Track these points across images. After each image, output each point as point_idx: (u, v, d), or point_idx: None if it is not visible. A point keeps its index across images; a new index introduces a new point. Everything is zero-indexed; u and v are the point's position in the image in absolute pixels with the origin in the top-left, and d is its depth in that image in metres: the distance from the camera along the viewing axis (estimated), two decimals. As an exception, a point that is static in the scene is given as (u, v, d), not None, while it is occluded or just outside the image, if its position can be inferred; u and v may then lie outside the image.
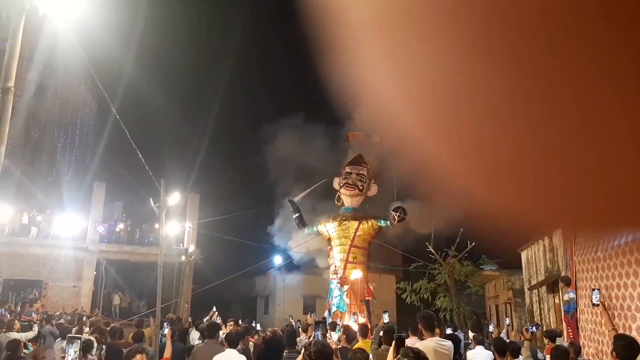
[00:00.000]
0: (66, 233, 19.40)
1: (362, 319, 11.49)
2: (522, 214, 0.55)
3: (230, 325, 9.25)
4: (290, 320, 14.03)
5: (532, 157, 0.48)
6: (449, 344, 4.11)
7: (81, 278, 19.44)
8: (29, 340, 8.35)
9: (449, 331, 8.57)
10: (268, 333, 3.00)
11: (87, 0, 4.96)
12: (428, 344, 3.93)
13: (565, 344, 6.35)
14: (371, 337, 6.29)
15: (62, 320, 11.78)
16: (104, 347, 6.33)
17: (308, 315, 11.10)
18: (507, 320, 12.40)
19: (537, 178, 0.50)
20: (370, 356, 4.65)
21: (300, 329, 9.44)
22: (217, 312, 11.07)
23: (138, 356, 3.86)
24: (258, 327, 11.96)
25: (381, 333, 5.39)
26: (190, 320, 12.02)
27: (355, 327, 7.56)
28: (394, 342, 3.57)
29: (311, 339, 5.79)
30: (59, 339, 7.29)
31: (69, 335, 3.76)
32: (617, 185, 0.46)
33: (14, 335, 7.25)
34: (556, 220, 0.59)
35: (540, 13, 0.41)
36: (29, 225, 19.07)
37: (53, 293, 18.79)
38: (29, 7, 4.59)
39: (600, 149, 0.45)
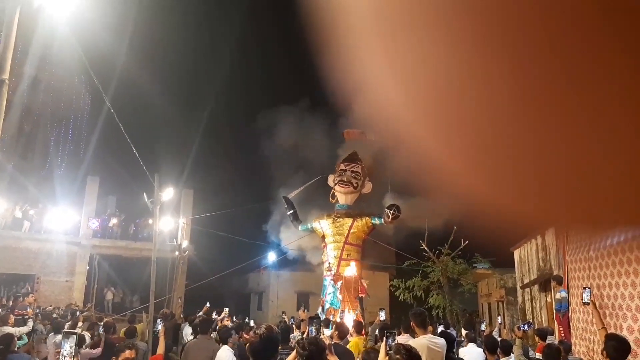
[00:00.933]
0: (59, 227, 19.28)
1: (348, 317, 11.50)
2: (515, 212, 0.55)
3: (227, 319, 9.48)
4: (284, 317, 14.06)
5: (527, 156, 0.49)
6: (441, 341, 4.13)
7: (74, 273, 19.34)
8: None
9: (441, 328, 8.60)
10: (263, 328, 3.01)
11: (83, -7, 4.94)
12: (421, 341, 3.96)
13: (556, 342, 6.40)
14: (365, 334, 6.31)
15: (54, 315, 11.74)
16: (101, 327, 6.39)
17: (300, 310, 11.07)
18: (499, 319, 12.47)
19: (531, 177, 0.51)
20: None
21: (294, 326, 9.46)
22: (227, 310, 10.73)
23: (127, 352, 3.94)
24: (252, 323, 11.96)
25: (377, 331, 5.42)
26: (182, 316, 11.99)
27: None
28: (384, 337, 3.60)
29: (305, 334, 5.80)
30: (52, 333, 7.25)
31: (65, 330, 3.76)
32: (610, 185, 0.47)
33: (7, 329, 7.22)
34: (549, 219, 0.60)
35: (540, 12, 0.41)
36: (21, 219, 18.93)
37: (45, 287, 18.68)
38: (24, -1, 4.56)
39: (596, 148, 0.46)
